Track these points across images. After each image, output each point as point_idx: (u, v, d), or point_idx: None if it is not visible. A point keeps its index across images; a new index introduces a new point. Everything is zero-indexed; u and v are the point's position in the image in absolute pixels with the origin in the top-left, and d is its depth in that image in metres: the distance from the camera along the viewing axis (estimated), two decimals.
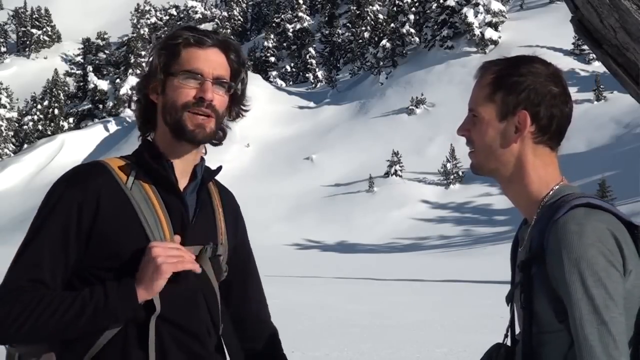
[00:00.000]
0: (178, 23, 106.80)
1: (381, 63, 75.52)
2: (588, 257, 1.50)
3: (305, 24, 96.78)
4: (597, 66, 56.15)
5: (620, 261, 1.53)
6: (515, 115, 1.67)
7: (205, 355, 1.84)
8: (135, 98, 1.91)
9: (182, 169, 1.86)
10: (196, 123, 1.82)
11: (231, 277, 1.95)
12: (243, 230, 2.05)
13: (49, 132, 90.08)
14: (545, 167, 1.69)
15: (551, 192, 1.67)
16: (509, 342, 1.75)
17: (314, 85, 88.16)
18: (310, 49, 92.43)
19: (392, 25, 76.80)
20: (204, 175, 1.91)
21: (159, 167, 1.82)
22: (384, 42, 75.79)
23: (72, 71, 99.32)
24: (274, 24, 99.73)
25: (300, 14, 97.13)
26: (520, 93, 1.66)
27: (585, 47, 46.27)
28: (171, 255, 1.72)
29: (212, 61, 1.84)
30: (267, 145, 69.11)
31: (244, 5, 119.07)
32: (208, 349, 1.85)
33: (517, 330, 1.72)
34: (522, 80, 1.67)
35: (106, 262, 1.75)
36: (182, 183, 1.86)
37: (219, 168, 1.94)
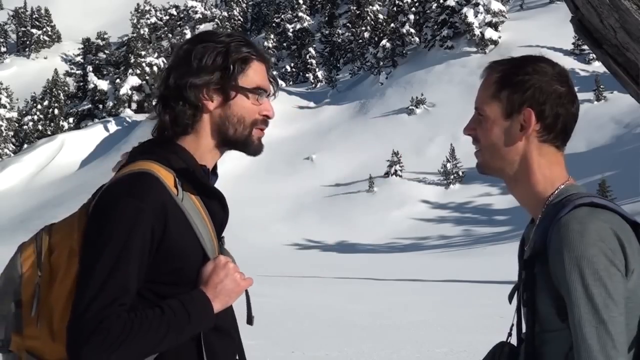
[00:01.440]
0: (178, 23, 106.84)
1: (381, 63, 75.52)
2: (589, 256, 1.51)
3: (305, 24, 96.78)
4: (597, 66, 56.20)
5: (623, 261, 1.53)
6: (521, 114, 1.67)
7: (237, 350, 1.89)
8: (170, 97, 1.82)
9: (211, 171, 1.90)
10: (259, 138, 1.88)
11: None
12: None
13: (49, 132, 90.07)
14: (550, 166, 1.69)
15: (556, 192, 1.68)
16: (512, 341, 1.76)
17: (314, 85, 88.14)
18: (310, 49, 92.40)
19: (392, 25, 76.81)
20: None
21: (205, 180, 1.82)
22: (384, 42, 75.79)
23: (72, 71, 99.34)
24: (274, 24, 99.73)
25: (300, 14, 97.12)
26: (526, 91, 1.67)
27: (585, 47, 46.26)
28: (240, 272, 1.79)
29: (267, 76, 1.88)
30: (267, 145, 67.58)
31: (244, 5, 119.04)
32: (237, 345, 1.90)
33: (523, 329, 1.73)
34: (527, 78, 1.68)
35: (166, 277, 1.74)
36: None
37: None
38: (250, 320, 1.93)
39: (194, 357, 1.77)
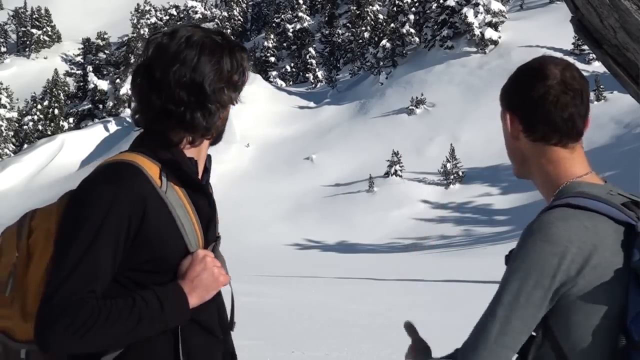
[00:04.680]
0: (178, 23, 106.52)
1: (381, 63, 75.51)
2: (528, 253, 1.55)
3: (305, 24, 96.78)
4: (597, 66, 56.17)
5: (561, 269, 1.53)
6: (506, 117, 1.73)
7: (221, 349, 1.88)
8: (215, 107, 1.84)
9: (201, 165, 1.90)
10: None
11: None
12: None
13: (49, 132, 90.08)
14: (554, 164, 1.69)
15: (560, 189, 1.68)
16: None
17: (314, 85, 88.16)
18: (310, 49, 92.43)
19: (392, 25, 76.80)
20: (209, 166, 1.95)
21: (192, 171, 1.83)
22: (384, 42, 75.79)
23: (72, 71, 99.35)
24: (274, 24, 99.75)
25: (300, 14, 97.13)
26: (509, 95, 1.72)
27: (585, 47, 46.26)
28: (219, 266, 1.79)
29: None
30: (267, 145, 69.10)
31: (244, 5, 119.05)
32: (222, 344, 1.89)
33: None
34: (511, 82, 1.72)
35: (144, 266, 1.75)
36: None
37: (209, 156, 1.96)
38: (231, 324, 1.93)
39: (170, 352, 1.76)
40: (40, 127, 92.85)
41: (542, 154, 1.69)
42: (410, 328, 1.70)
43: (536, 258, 1.53)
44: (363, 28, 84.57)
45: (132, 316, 1.66)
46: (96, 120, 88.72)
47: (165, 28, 1.98)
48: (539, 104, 1.67)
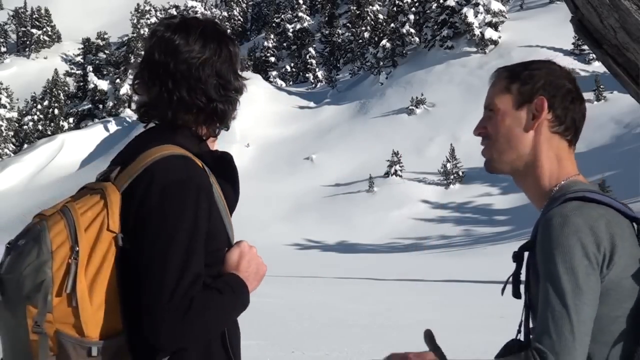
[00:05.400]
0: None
1: (381, 63, 75.51)
2: (565, 246, 1.54)
3: (305, 24, 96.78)
4: (597, 66, 56.17)
5: (599, 254, 1.55)
6: (532, 103, 1.71)
7: (239, 336, 1.91)
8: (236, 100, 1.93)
9: None
10: None
11: None
12: None
13: (49, 132, 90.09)
14: (559, 161, 1.72)
15: (559, 186, 1.69)
16: (521, 337, 1.77)
17: (314, 85, 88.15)
18: (310, 49, 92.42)
19: (392, 25, 76.81)
20: None
21: (230, 163, 1.91)
22: (384, 42, 75.79)
23: (72, 71, 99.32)
24: (274, 24, 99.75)
25: (300, 14, 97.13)
26: (537, 83, 1.72)
27: (585, 47, 46.27)
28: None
29: None
30: (267, 145, 69.10)
31: (244, 5, 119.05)
32: (239, 332, 1.93)
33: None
34: (537, 72, 1.73)
35: (207, 258, 1.76)
36: None
37: None
38: None
39: (219, 343, 1.79)
40: (40, 127, 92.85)
41: (554, 147, 1.72)
42: (430, 338, 1.67)
43: (577, 248, 1.53)
44: (363, 28, 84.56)
45: (226, 305, 1.72)
46: (96, 120, 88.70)
47: (164, 20, 2.00)
48: (574, 97, 1.72)
